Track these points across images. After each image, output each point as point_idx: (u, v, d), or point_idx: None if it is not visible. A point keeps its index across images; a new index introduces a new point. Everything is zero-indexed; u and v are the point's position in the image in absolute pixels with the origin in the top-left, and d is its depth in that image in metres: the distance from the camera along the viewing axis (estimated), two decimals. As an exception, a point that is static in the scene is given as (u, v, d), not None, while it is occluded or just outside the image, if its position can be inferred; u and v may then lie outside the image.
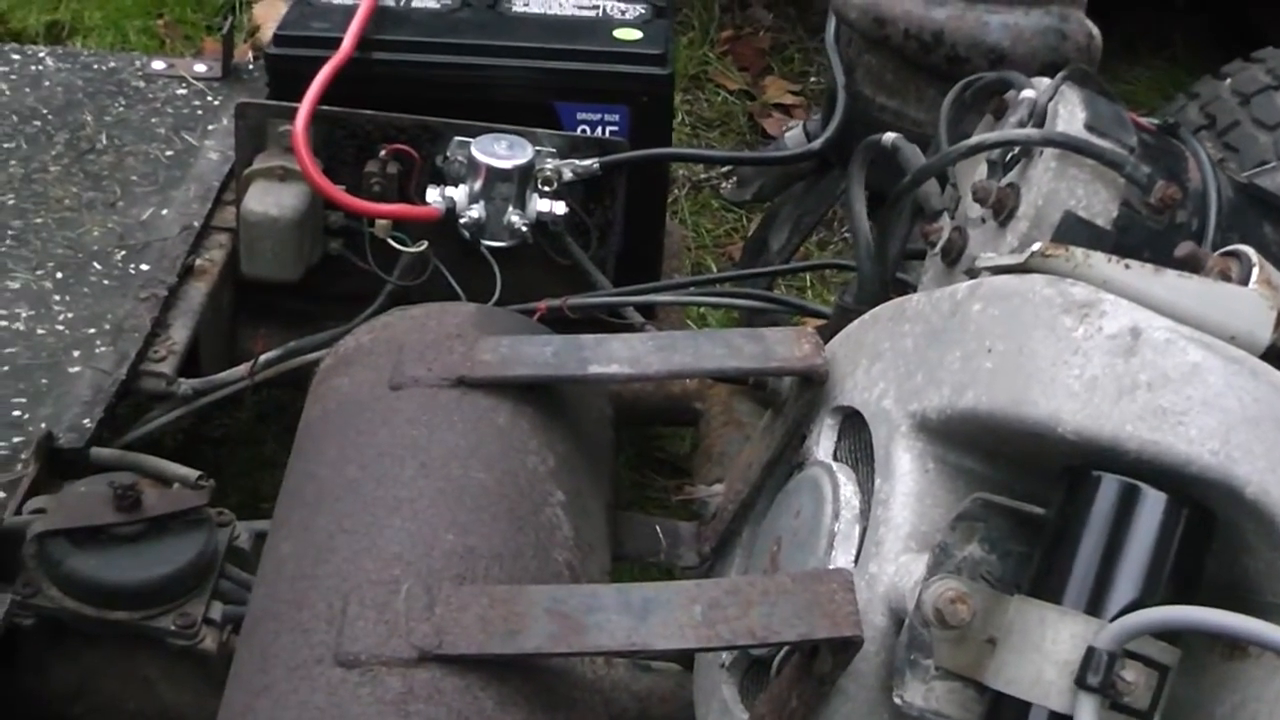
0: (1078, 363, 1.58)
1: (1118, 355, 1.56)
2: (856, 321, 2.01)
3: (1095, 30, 2.65)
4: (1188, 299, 1.65)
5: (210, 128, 3.07)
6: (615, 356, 2.04)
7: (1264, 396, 1.54)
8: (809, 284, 3.95)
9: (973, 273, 1.88)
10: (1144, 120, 2.16)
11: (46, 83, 3.17)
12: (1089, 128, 2.04)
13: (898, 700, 1.59)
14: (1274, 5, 4.59)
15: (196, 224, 2.79)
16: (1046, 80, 2.16)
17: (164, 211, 2.81)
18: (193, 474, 2.29)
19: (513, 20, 2.95)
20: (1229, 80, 3.33)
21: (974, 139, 2.13)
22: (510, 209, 2.66)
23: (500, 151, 2.65)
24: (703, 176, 4.36)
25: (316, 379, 2.21)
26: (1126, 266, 1.66)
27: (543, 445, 2.02)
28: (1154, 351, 1.55)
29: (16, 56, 3.25)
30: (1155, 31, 5.07)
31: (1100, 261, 1.66)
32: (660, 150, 2.88)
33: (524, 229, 2.67)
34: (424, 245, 2.68)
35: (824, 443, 1.97)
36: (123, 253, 2.71)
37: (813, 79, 4.79)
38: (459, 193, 2.66)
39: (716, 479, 2.49)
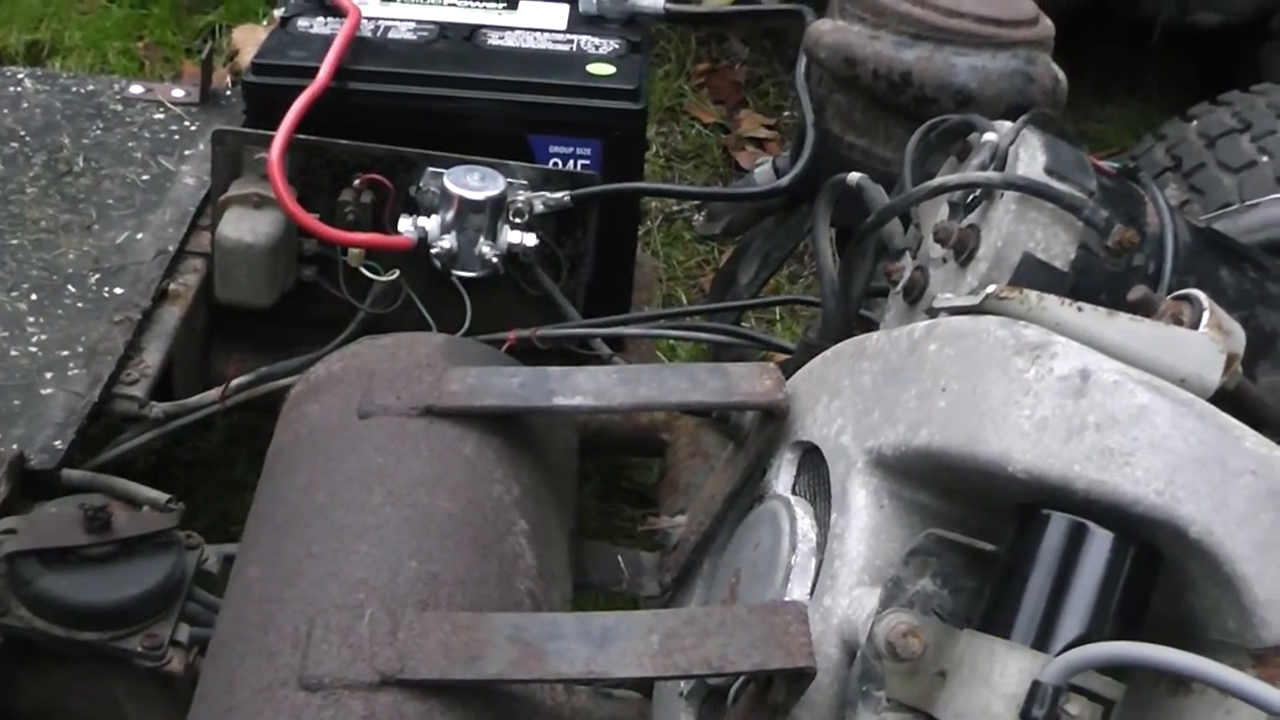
0: (1029, 403, 1.61)
1: (1068, 396, 1.60)
2: (818, 358, 2.04)
3: (1061, 74, 2.69)
4: (1139, 342, 1.68)
5: (187, 153, 3.09)
6: (580, 389, 2.07)
7: (1210, 438, 1.58)
8: (779, 317, 3.98)
9: (932, 312, 1.91)
10: (1104, 164, 2.20)
11: (25, 104, 3.19)
12: (1049, 171, 2.07)
13: (849, 730, 1.63)
14: (1251, 40, 4.65)
15: (171, 248, 2.81)
16: (1009, 123, 2.19)
17: (139, 235, 2.84)
18: (163, 497, 2.31)
19: (488, 53, 2.97)
20: (1195, 123, 3.36)
21: (936, 180, 2.16)
22: (482, 240, 2.69)
23: (473, 183, 2.68)
24: (675, 209, 4.39)
25: (287, 405, 2.24)
26: (1079, 309, 1.69)
27: (508, 475, 2.04)
28: (1103, 393, 1.59)
29: (-4, 78, 3.29)
30: (1129, 72, 5.11)
31: (1053, 304, 1.70)
32: (631, 184, 2.92)
33: (495, 259, 2.69)
34: (396, 274, 2.71)
35: (783, 477, 2.00)
36: (98, 275, 2.73)
37: (787, 113, 4.83)
38: (431, 223, 2.69)
39: (681, 510, 2.51)
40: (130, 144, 3.11)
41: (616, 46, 3.02)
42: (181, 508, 2.29)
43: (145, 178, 3.01)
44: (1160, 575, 1.60)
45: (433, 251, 2.68)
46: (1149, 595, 1.60)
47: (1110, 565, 1.57)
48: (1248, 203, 3.08)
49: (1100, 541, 1.57)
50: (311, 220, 2.64)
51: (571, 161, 2.86)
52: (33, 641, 2.13)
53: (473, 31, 3.04)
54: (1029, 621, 1.57)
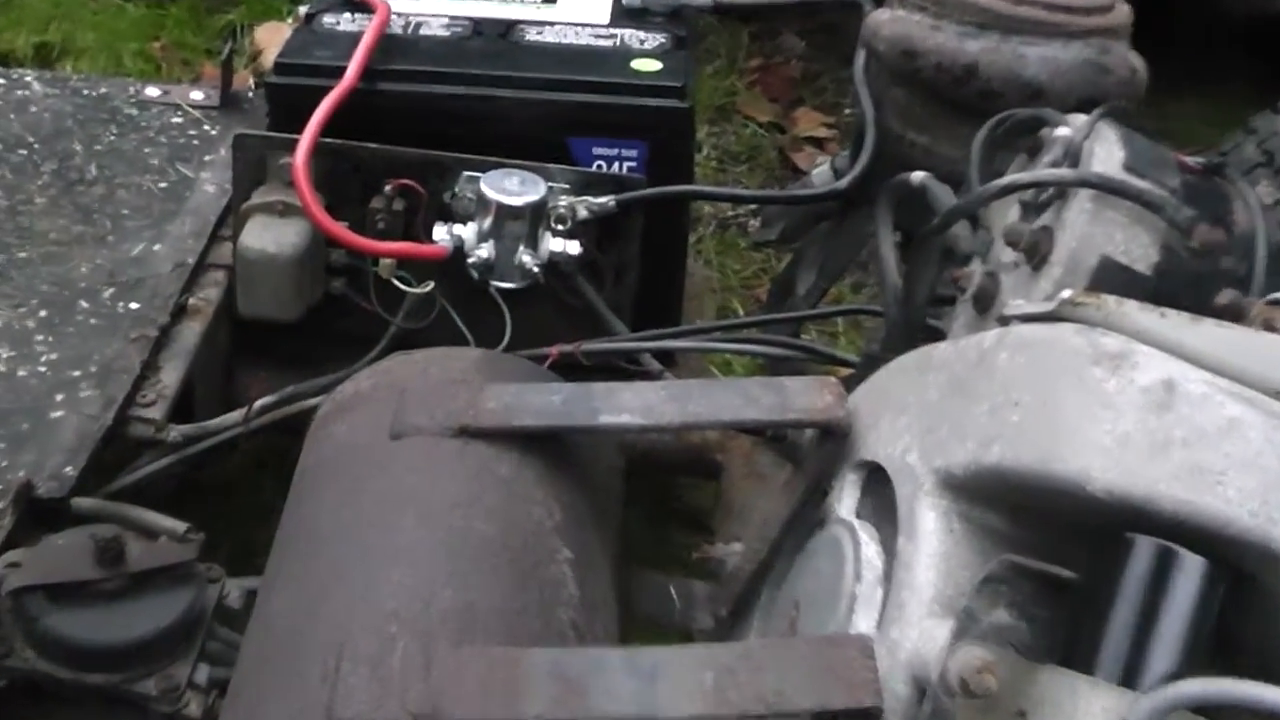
0: (1108, 417, 1.58)
1: (1151, 410, 1.57)
2: (882, 371, 2.02)
3: (1139, 63, 2.66)
4: (1228, 350, 1.65)
5: (207, 159, 3.10)
6: (626, 406, 2.05)
7: (1307, 455, 1.55)
8: (841, 329, 3.96)
9: (1003, 320, 1.89)
10: (1188, 159, 2.17)
11: (34, 109, 3.19)
12: (1128, 167, 2.05)
13: (919, 775, 1.60)
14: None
15: (191, 261, 2.81)
16: (1083, 117, 2.16)
17: (156, 247, 2.83)
18: (181, 526, 2.30)
19: (525, 50, 2.97)
20: (1288, 116, 3.34)
21: (1005, 179, 2.14)
22: (521, 248, 2.67)
23: (511, 188, 2.67)
24: (730, 214, 4.37)
25: (314, 425, 2.23)
26: (1162, 315, 1.66)
27: (549, 498, 2.02)
28: (1189, 406, 1.56)
29: (2, 81, 3.28)
30: (1210, 62, 5.07)
31: (1133, 309, 1.67)
32: (680, 188, 2.90)
33: (536, 270, 2.67)
34: (430, 286, 2.70)
35: (846, 499, 1.97)
36: (112, 290, 2.72)
37: (846, 111, 4.79)
38: (467, 231, 2.68)
39: (736, 536, 2.49)
40: (146, 150, 3.11)
41: (662, 41, 3.01)
42: (201, 538, 2.27)
43: (162, 186, 3.01)
44: (1255, 604, 1.57)
45: (469, 261, 2.66)
46: (1243, 626, 1.57)
47: (1201, 594, 1.54)
48: (1348, 200, 3.05)
49: (1190, 568, 1.54)
50: (340, 229, 2.63)
51: (616, 164, 2.85)
52: (39, 684, 2.11)
53: (509, 27, 3.04)
54: (1114, 656, 1.55)
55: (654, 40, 3.01)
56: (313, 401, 2.54)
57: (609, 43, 3.01)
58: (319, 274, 2.76)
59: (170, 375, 2.61)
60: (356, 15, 3.03)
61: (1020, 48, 2.60)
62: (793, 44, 5.13)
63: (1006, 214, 2.18)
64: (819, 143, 4.77)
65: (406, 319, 2.72)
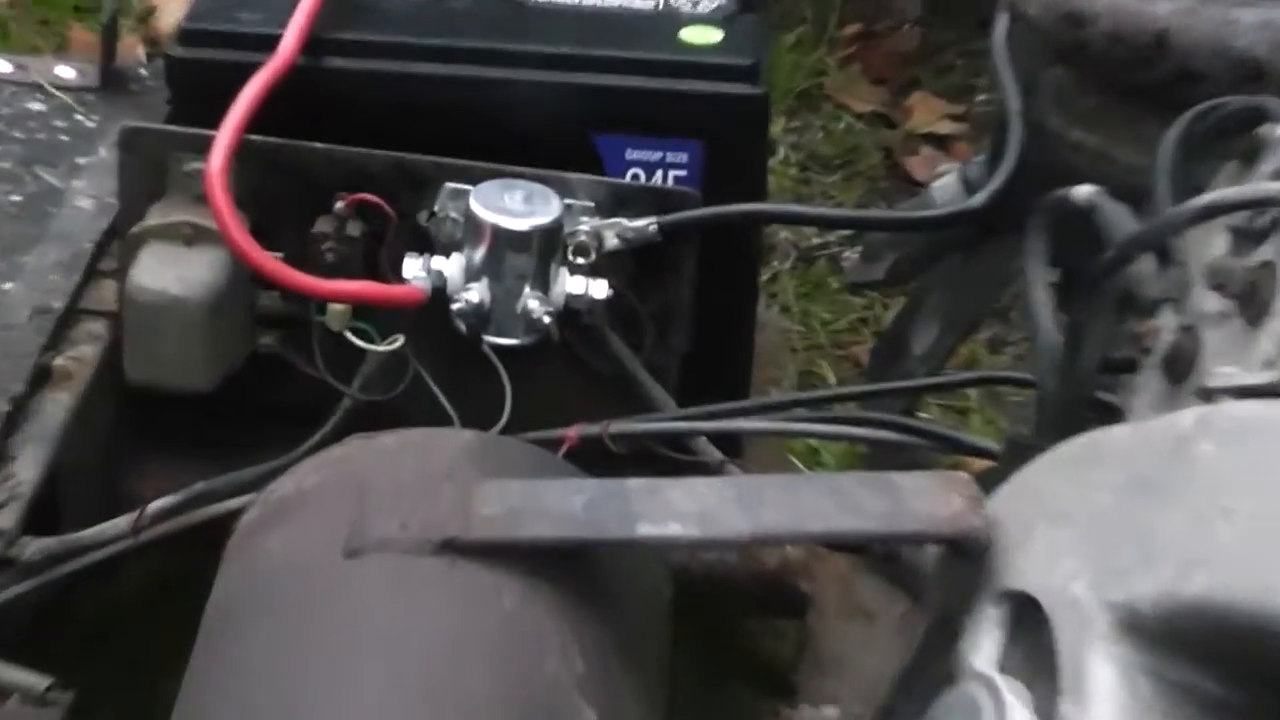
0: (1359, 534, 1.60)
1: None
2: (1033, 464, 2.03)
3: (1403, 33, 2.68)
4: None
5: (81, 162, 3.11)
6: (676, 511, 2.05)
7: None
8: (975, 405, 3.97)
9: (1206, 394, 1.90)
10: None
11: None
12: (1383, 182, 2.07)
13: None
14: None
15: (58, 305, 2.83)
16: (1322, 110, 2.18)
17: (8, 286, 2.86)
18: (41, 681, 2.30)
19: (534, 14, 2.99)
20: None
21: (1209, 196, 2.15)
22: (527, 290, 2.68)
23: (513, 205, 2.67)
24: (816, 242, 4.39)
25: (235, 537, 2.24)
26: None
27: (568, 640, 2.04)
28: None
29: None
30: None
31: (1393, 382, 1.69)
32: (748, 206, 2.92)
33: (546, 319, 2.68)
34: (399, 342, 2.72)
35: (985, 644, 1.98)
36: (-55, 347, 2.74)
37: (981, 98, 4.82)
38: (452, 265, 2.69)
39: (831, 697, 2.51)
40: (-7, 149, 3.13)
41: (723, 2, 3.03)
42: (69, 697, 2.28)
43: (16, 199, 3.01)
44: None
45: (454, 308, 2.67)
46: None
47: None
48: None
49: None
50: (273, 262, 2.63)
51: (659, 173, 2.87)
52: None
53: (512, -17, 3.06)
54: None
55: (712, 1, 3.04)
56: (233, 504, 2.55)
57: (650, 4, 3.03)
58: (242, 325, 2.77)
59: (27, 467, 2.62)
60: (295, -38, 3.06)
61: (1231, 10, 2.61)
62: (905, 4, 5.16)
63: (1210, 245, 2.20)
64: (942, 142, 4.80)
65: (366, 388, 2.74)
